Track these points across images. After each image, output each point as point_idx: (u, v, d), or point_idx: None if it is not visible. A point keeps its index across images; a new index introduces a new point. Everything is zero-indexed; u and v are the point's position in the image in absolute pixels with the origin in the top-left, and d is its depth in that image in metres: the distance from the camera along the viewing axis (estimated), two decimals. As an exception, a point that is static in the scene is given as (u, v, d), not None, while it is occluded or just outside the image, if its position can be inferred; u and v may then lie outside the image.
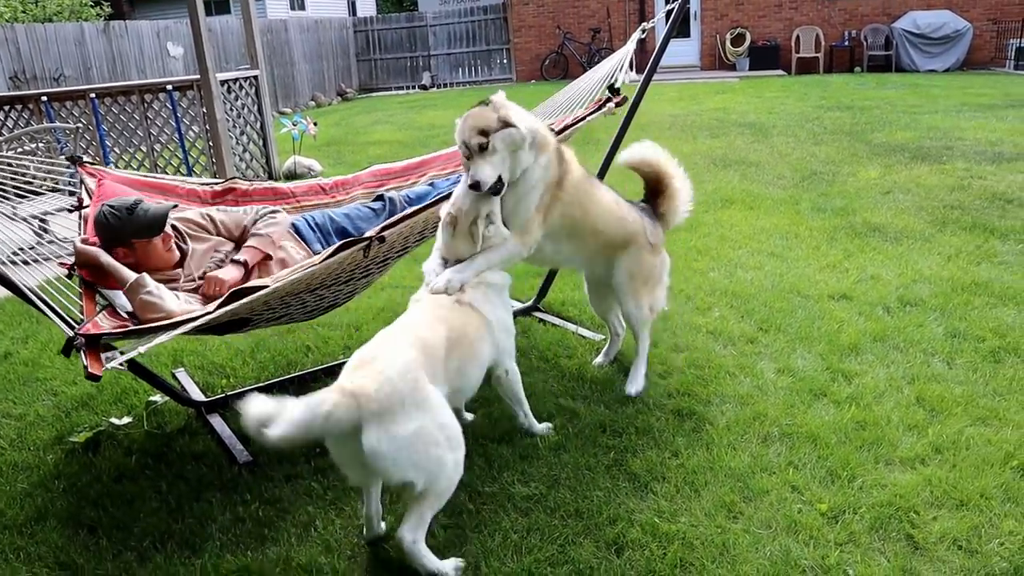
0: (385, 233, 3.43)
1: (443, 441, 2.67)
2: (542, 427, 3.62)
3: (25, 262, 3.67)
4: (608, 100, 4.30)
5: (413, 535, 2.65)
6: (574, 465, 3.38)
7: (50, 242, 5.56)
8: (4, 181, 4.20)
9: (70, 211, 4.11)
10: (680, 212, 4.18)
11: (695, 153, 9.95)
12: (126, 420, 3.98)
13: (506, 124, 3.20)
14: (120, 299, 3.47)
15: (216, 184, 4.60)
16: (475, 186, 3.15)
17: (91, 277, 3.57)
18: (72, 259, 3.59)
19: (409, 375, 2.63)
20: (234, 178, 4.95)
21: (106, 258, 3.53)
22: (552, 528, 3.01)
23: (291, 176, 9.94)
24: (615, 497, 3.18)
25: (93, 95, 9.00)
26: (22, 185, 4.30)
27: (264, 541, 3.00)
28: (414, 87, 24.06)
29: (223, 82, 9.35)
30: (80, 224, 3.92)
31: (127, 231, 3.54)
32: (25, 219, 6.15)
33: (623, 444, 3.53)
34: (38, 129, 8.36)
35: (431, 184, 4.78)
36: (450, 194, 3.44)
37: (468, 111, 3.28)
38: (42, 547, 3.14)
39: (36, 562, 3.06)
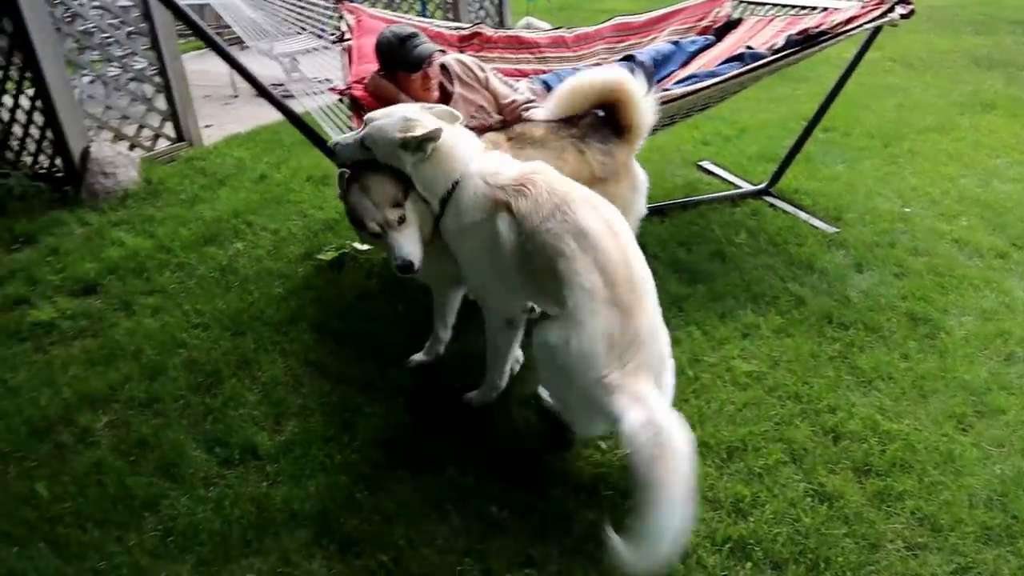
0: None
1: None
2: None
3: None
4: (891, 6, 3.90)
5: None
6: (796, 350, 3.33)
7: (298, 80, 5.95)
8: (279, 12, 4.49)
9: (332, 43, 4.35)
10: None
11: (954, 50, 9.02)
12: (367, 247, 4.28)
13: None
14: None
15: (463, 28, 4.69)
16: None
17: (375, 105, 3.74)
18: (342, 86, 3.82)
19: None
20: (480, 23, 5.03)
21: (403, 98, 3.68)
22: (769, 406, 3.01)
23: (520, 37, 9.94)
24: (837, 388, 3.12)
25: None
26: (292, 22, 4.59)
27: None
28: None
29: (466, -68, 9.35)
30: (343, 56, 4.14)
31: (395, 61, 3.69)
32: (278, 57, 6.61)
33: (849, 338, 3.43)
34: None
35: (675, 43, 4.66)
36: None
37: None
38: (295, 344, 3.52)
39: (290, 356, 3.44)
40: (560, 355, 2.39)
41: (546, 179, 2.62)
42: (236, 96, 8.15)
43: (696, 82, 4.01)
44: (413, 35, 3.67)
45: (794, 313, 3.60)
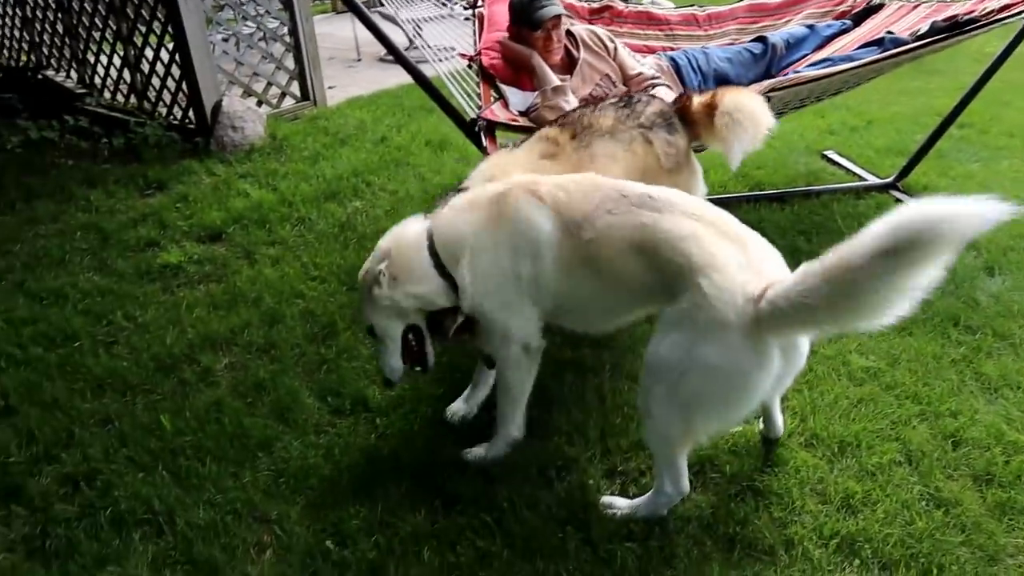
0: (772, 94, 3.34)
1: None
2: None
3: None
4: None
5: None
6: (918, 350, 3.21)
7: (418, 47, 6.02)
8: None
9: (465, 8, 4.39)
10: (742, 139, 3.02)
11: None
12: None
13: None
14: (514, 97, 3.67)
15: (595, 1, 4.67)
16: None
17: (504, 72, 3.80)
18: (471, 53, 3.86)
19: None
20: (612, -4, 4.98)
21: (537, 60, 3.70)
22: (886, 404, 2.91)
23: (642, 15, 9.82)
24: (959, 392, 2.99)
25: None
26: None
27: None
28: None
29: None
30: (474, 23, 4.17)
31: (521, 17, 3.70)
32: (403, 22, 6.70)
33: (977, 343, 3.27)
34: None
35: (810, 26, 4.51)
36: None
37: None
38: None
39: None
40: (702, 311, 2.10)
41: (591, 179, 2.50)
42: (359, 60, 8.32)
43: (830, 65, 3.88)
44: None
45: (917, 312, 3.45)
